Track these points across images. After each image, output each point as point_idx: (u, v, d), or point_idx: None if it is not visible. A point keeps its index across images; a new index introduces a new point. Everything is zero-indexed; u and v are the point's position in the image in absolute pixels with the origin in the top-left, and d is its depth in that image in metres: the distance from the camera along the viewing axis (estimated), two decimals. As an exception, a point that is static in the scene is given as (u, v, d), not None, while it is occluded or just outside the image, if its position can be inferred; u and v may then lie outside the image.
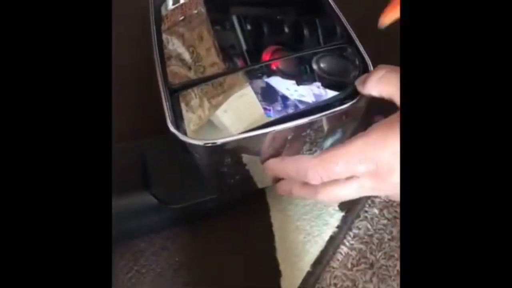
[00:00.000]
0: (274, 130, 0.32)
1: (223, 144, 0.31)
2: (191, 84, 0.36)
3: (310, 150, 0.36)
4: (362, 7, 0.54)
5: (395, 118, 0.28)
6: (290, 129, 0.32)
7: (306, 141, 0.35)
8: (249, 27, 0.41)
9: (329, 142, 0.36)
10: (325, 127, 0.34)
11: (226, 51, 0.40)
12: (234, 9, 0.43)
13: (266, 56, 0.39)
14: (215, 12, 0.42)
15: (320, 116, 0.32)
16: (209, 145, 0.31)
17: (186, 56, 0.39)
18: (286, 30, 0.41)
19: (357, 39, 0.37)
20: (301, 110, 0.34)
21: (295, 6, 0.43)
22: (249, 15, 0.42)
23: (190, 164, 0.34)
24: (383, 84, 0.30)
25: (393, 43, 0.32)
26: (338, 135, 0.36)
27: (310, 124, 0.33)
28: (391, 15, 0.39)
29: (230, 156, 0.33)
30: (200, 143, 0.31)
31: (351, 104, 0.32)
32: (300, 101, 0.34)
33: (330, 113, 0.32)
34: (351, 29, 0.38)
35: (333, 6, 0.39)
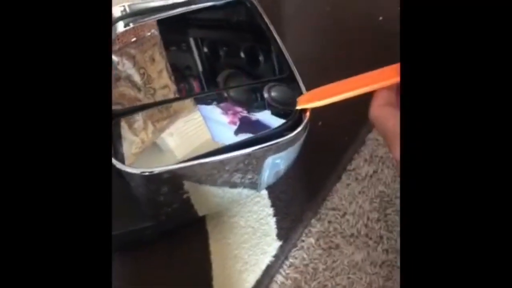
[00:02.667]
0: (214, 160, 0.32)
1: (161, 173, 0.31)
2: (135, 110, 0.36)
3: (251, 178, 0.37)
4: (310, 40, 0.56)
5: None
6: (231, 158, 0.32)
7: (248, 169, 0.35)
8: (205, 49, 0.42)
9: (267, 172, 0.36)
10: (265, 157, 0.35)
11: (182, 72, 0.40)
12: (192, 32, 0.43)
13: (220, 80, 0.40)
14: (172, 33, 0.42)
15: (266, 146, 0.33)
16: (146, 174, 0.30)
17: (137, 77, 0.39)
18: (242, 55, 0.42)
19: (297, 72, 0.38)
20: (245, 140, 0.34)
21: (251, 32, 0.44)
22: (207, 38, 0.43)
23: (126, 190, 0.34)
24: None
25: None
26: (276, 166, 0.36)
27: (250, 154, 0.33)
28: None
29: (168, 184, 0.33)
30: (137, 171, 0.30)
31: (294, 135, 0.33)
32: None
33: (274, 144, 0.33)
34: (292, 62, 0.39)
35: (278, 40, 0.40)
